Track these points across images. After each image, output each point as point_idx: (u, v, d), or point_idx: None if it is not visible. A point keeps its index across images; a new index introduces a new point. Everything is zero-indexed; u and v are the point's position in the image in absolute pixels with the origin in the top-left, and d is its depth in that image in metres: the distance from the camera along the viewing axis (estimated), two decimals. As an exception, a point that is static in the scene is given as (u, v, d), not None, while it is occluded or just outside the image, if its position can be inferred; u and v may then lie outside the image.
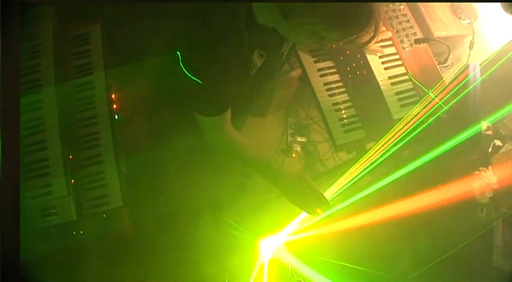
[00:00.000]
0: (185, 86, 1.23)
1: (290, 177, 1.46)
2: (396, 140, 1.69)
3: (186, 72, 1.21)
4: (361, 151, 1.79)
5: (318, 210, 1.47)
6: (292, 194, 1.46)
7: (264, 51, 1.28)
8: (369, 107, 1.81)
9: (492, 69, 1.62)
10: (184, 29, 1.24)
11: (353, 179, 1.71)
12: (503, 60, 1.60)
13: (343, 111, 1.81)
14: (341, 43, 1.13)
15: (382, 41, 1.80)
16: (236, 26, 1.17)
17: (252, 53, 1.25)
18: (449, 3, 1.91)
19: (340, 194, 1.72)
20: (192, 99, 1.31)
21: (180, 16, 1.26)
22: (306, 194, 1.46)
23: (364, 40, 1.11)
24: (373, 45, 1.75)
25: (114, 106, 1.76)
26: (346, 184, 1.71)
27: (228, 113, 1.34)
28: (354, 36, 1.09)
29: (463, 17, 1.89)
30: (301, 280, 1.77)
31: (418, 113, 1.71)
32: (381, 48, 1.79)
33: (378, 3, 1.09)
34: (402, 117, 1.72)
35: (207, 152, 1.76)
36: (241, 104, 1.46)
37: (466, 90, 1.66)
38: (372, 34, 1.10)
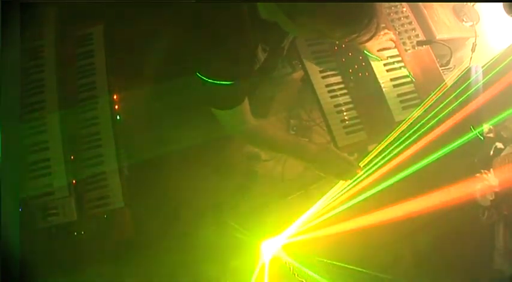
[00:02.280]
0: (197, 87, 1.24)
1: (319, 150, 1.51)
2: (398, 142, 1.69)
3: (199, 75, 1.22)
4: (363, 153, 1.79)
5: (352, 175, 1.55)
6: (325, 165, 1.51)
7: (266, 45, 1.29)
8: (371, 108, 1.81)
9: (494, 71, 1.62)
10: (189, 28, 1.25)
11: (354, 180, 1.71)
12: (505, 62, 1.60)
13: (345, 113, 1.81)
14: (345, 40, 1.15)
15: (385, 49, 1.80)
16: (241, 21, 1.18)
17: (256, 47, 1.26)
18: (451, 5, 1.91)
19: (341, 195, 1.72)
20: (208, 98, 1.32)
21: (183, 15, 1.26)
22: (337, 162, 1.52)
23: (366, 38, 1.13)
24: (376, 52, 1.76)
25: (116, 107, 1.76)
26: (348, 186, 1.70)
27: (247, 101, 1.35)
28: (356, 35, 1.10)
29: (465, 20, 1.89)
30: (304, 280, 1.77)
31: (420, 115, 1.71)
32: (383, 55, 1.80)
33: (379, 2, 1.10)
34: (404, 119, 1.72)
35: (209, 153, 1.76)
36: None
37: (468, 93, 1.66)
38: (373, 32, 1.11)
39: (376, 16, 1.08)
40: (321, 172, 1.54)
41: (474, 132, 1.61)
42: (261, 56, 1.30)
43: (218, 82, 1.22)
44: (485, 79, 1.67)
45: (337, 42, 1.85)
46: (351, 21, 1.08)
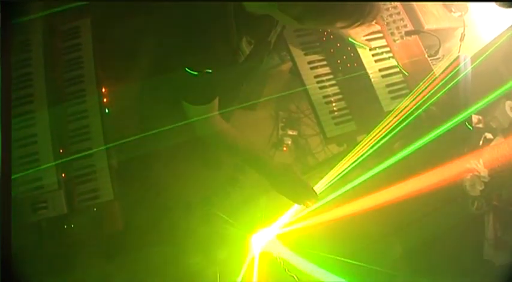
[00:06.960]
0: (173, 75, 1.23)
1: (277, 168, 1.46)
2: (387, 132, 1.69)
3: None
4: (352, 144, 1.79)
5: (307, 202, 1.47)
6: (280, 185, 1.46)
7: (252, 38, 1.29)
8: (360, 99, 1.80)
9: (479, 59, 1.62)
10: (171, 18, 1.24)
11: (344, 171, 1.70)
12: (490, 50, 1.60)
13: (333, 104, 1.80)
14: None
15: (371, 33, 1.80)
16: (224, 13, 1.17)
17: (240, 40, 1.26)
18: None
19: (331, 186, 1.72)
20: (180, 88, 1.31)
21: (169, 7, 1.26)
22: (293, 185, 1.46)
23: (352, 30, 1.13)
24: (360, 38, 1.76)
25: (105, 100, 1.76)
26: (337, 177, 1.70)
27: (216, 102, 1.34)
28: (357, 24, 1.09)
29: (453, 10, 1.88)
30: (293, 275, 1.77)
31: (408, 105, 1.70)
32: (368, 43, 1.79)
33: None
34: (393, 110, 1.72)
35: (198, 146, 1.76)
36: (229, 92, 1.46)
37: (456, 82, 1.66)
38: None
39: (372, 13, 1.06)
40: (276, 191, 1.48)
41: (461, 120, 1.61)
42: (246, 48, 1.30)
43: (193, 72, 1.21)
44: (472, 65, 1.67)
45: (325, 33, 1.85)
46: (350, 18, 1.05)
